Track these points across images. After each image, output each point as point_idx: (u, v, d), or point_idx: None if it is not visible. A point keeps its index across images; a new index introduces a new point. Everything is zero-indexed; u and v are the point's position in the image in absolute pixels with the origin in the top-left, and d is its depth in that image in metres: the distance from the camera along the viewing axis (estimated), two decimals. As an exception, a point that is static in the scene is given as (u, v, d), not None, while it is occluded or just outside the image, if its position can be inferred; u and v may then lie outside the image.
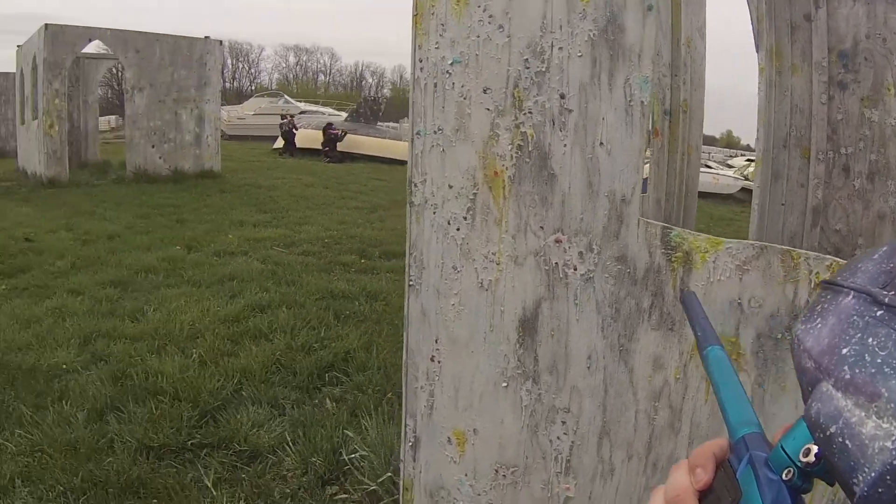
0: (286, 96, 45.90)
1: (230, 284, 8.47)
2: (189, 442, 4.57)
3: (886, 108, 6.02)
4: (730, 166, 34.71)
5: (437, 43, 2.57)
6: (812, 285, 2.11)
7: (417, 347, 2.84)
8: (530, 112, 2.43)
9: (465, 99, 2.52)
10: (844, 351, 0.64)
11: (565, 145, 2.38)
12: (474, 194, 2.55)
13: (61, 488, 4.01)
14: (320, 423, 4.79)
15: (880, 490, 0.56)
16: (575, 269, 2.43)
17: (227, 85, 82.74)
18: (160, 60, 18.96)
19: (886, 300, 0.63)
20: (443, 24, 2.55)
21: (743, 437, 0.78)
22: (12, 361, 5.85)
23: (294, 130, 30.09)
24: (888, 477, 0.56)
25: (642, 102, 2.30)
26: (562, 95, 2.38)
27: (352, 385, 5.63)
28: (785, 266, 2.15)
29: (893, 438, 0.56)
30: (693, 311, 1.10)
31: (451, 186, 2.60)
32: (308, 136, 30.36)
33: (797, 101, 6.15)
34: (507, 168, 2.48)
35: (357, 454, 4.18)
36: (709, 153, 52.88)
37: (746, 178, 27.84)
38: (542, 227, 2.46)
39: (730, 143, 77.19)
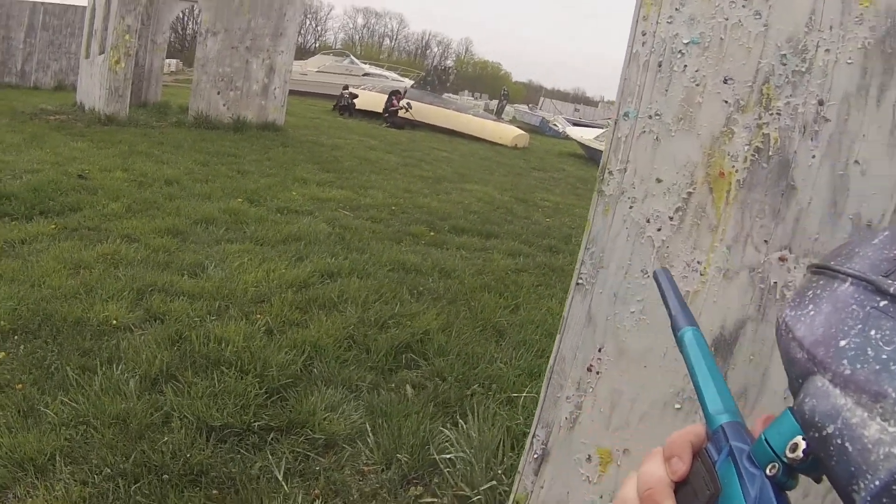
0: (352, 56, 46.44)
1: (296, 245, 8.46)
2: (255, 424, 4.41)
3: None
4: None
5: (670, 17, 2.43)
6: None
7: (572, 354, 2.71)
8: (779, 113, 2.29)
9: (697, 85, 2.39)
10: (843, 343, 0.63)
11: (814, 156, 2.25)
12: (689, 193, 2.43)
13: (109, 471, 3.79)
14: (403, 413, 4.67)
15: (885, 500, 0.55)
16: None
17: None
18: (239, 5, 19.37)
19: (892, 289, 0.62)
20: None
21: (721, 427, 0.78)
22: (57, 312, 5.71)
23: (353, 102, 30.60)
24: (895, 487, 0.54)
25: None
26: (820, 102, 2.24)
27: (431, 371, 5.54)
28: None
29: None
30: (666, 290, 1.09)
31: (659, 181, 2.47)
32: (371, 99, 30.89)
33: None
34: (737, 170, 2.35)
35: (451, 455, 4.05)
36: None
37: None
38: (766, 242, 2.34)
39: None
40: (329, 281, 7.38)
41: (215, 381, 4.82)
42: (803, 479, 0.70)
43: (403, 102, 29.86)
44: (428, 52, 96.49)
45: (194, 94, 19.44)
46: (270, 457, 4.13)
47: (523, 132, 32.16)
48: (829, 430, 0.61)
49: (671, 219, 2.47)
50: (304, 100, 33.62)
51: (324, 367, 5.33)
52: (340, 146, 19.46)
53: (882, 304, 0.62)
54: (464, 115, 31.34)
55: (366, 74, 40.76)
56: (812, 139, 2.25)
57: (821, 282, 0.72)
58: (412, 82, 36.04)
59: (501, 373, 5.48)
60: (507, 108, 42.93)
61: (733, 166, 2.36)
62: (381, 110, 30.14)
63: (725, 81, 2.36)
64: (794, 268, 2.30)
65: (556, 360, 2.76)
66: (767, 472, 0.69)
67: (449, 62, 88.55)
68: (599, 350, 2.65)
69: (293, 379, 5.05)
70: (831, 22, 2.22)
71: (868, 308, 0.62)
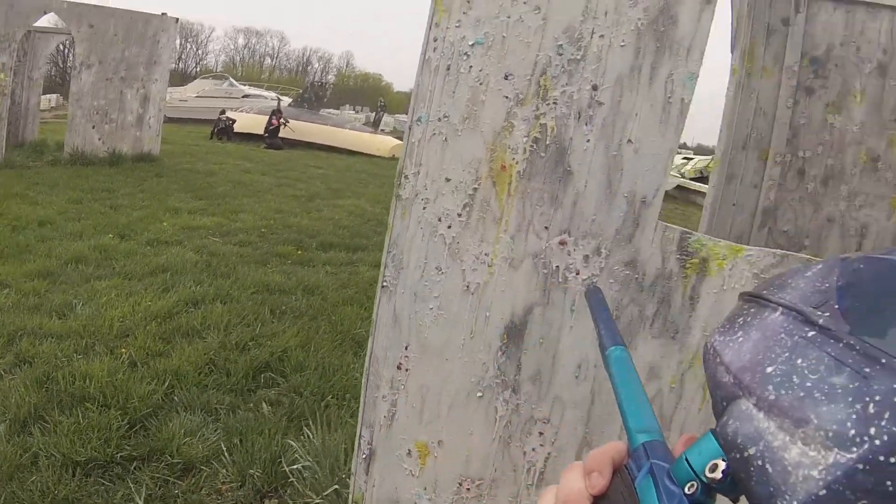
0: (231, 79, 45.95)
1: (163, 276, 8.37)
2: (118, 455, 4.43)
3: (850, 115, 6.32)
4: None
5: (458, 21, 2.52)
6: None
7: (384, 354, 2.81)
8: (555, 102, 2.41)
9: (481, 84, 2.49)
10: (770, 370, 0.64)
11: (588, 140, 2.38)
12: (474, 189, 2.53)
13: (-20, 513, 3.78)
14: (257, 431, 4.74)
15: None
16: (577, 274, 2.43)
17: (174, 66, 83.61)
18: (113, 36, 18.82)
19: (821, 321, 0.63)
20: (469, 1, 2.50)
21: (643, 445, 0.79)
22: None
23: (231, 125, 30.39)
24: None
25: (682, 100, 2.31)
26: (594, 87, 2.36)
27: (288, 387, 5.63)
28: None
29: (820, 468, 0.56)
30: (597, 309, 1.13)
31: (448, 180, 2.57)
32: (249, 121, 30.71)
33: (762, 103, 6.45)
34: (517, 162, 2.46)
35: (299, 465, 4.12)
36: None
37: (682, 176, 29.14)
38: (546, 228, 2.45)
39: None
40: (193, 309, 7.35)
41: (80, 417, 4.79)
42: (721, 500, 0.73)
43: (283, 120, 29.72)
44: (309, 68, 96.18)
45: (70, 130, 18.86)
46: (132, 485, 4.15)
47: (402, 142, 32.05)
48: (751, 451, 0.62)
49: (459, 215, 2.57)
50: (184, 126, 33.05)
51: (184, 393, 5.34)
52: (215, 171, 19.18)
53: (810, 334, 0.63)
54: (341, 131, 31.29)
55: (245, 96, 40.32)
56: (587, 124, 2.39)
57: (752, 310, 0.73)
58: (290, 100, 35.80)
59: (356, 382, 5.52)
60: (387, 118, 42.90)
61: (514, 159, 2.47)
62: (260, 131, 29.90)
63: (506, 77, 2.47)
64: (574, 251, 2.43)
65: (371, 361, 2.85)
66: (686, 490, 0.70)
67: (330, 77, 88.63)
68: (406, 348, 2.74)
69: (154, 408, 5.06)
70: (607, 8, 2.37)
71: (796, 337, 0.64)
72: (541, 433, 2.58)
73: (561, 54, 2.40)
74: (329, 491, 3.80)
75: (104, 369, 5.50)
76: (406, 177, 2.66)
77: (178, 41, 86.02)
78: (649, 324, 2.39)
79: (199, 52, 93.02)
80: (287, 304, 7.73)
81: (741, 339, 0.70)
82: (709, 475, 0.68)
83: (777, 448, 0.60)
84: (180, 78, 67.35)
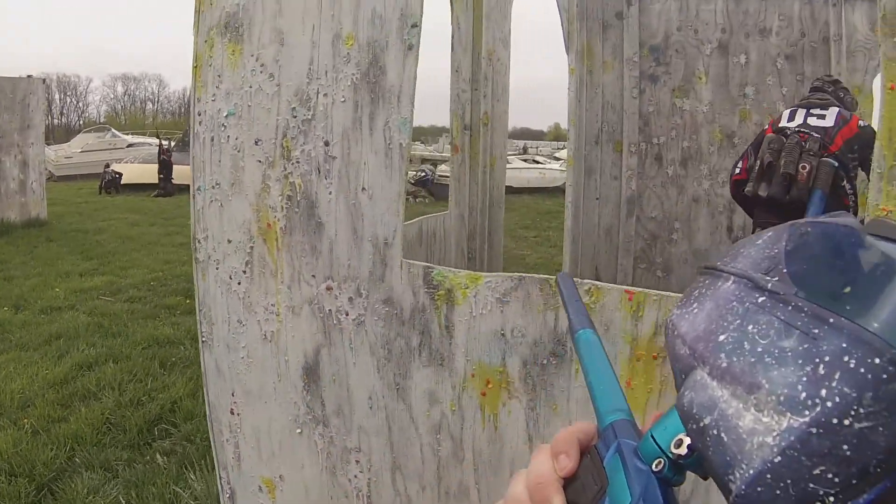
0: (113, 130, 44.92)
1: (57, 343, 8.43)
2: (30, 521, 4.58)
3: (698, 97, 6.59)
4: (557, 159, 36.26)
5: (213, 95, 2.72)
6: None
7: (217, 402, 2.98)
8: (298, 161, 2.59)
9: (238, 152, 2.68)
10: (721, 338, 0.64)
11: (330, 193, 2.56)
12: (251, 248, 2.71)
13: None
14: (151, 482, 4.92)
15: (759, 489, 0.56)
16: (347, 315, 2.60)
17: (56, 122, 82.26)
18: (-17, 105, 18.32)
19: (769, 286, 0.63)
20: (219, 76, 2.69)
21: (611, 424, 0.79)
22: None
23: (118, 178, 29.93)
24: (768, 475, 0.55)
25: (401, 145, 2.49)
26: (326, 143, 2.55)
27: (181, 436, 5.80)
28: (544, 294, 2.35)
29: (774, 434, 0.56)
30: (566, 294, 1.12)
31: (230, 241, 2.75)
32: (137, 171, 30.28)
33: (609, 97, 6.68)
34: (278, 220, 2.64)
35: (186, 508, 4.29)
36: (537, 147, 54.99)
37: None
38: (313, 276, 2.63)
39: (558, 135, 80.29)
40: (88, 372, 7.48)
41: (-10, 489, 4.97)
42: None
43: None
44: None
45: (-49, 204, 18.54)
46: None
47: None
48: (706, 421, 0.62)
49: (244, 272, 2.76)
50: (74, 183, 32.48)
51: (85, 454, 5.51)
52: (104, 229, 18.85)
53: (760, 299, 0.63)
54: None
55: (130, 145, 39.66)
56: (326, 177, 2.58)
57: (706, 281, 0.73)
58: (174, 143, 34.92)
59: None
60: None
61: (275, 216, 2.67)
62: (149, 181, 29.29)
63: (257, 143, 2.67)
64: (339, 294, 2.62)
65: (210, 408, 3.03)
66: (654, 467, 0.70)
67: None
68: (233, 394, 2.93)
69: (58, 472, 5.23)
70: (326, 67, 2.57)
71: (747, 304, 0.64)
72: (357, 461, 2.75)
73: (296, 116, 2.59)
74: (213, 530, 4.00)
75: (9, 440, 5.62)
76: (199, 241, 2.84)
77: (56, 96, 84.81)
78: (417, 354, 2.55)
79: (80, 104, 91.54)
80: (176, 356, 7.89)
81: (696, 310, 0.71)
82: (674, 451, 0.69)
83: (731, 416, 0.60)
84: (64, 133, 66.08)
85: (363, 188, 2.55)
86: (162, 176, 28.58)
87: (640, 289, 2.34)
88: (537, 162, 33.70)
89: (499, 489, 2.51)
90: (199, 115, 2.79)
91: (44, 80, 20.47)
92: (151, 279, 12.14)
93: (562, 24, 6.34)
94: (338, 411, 2.75)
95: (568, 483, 0.76)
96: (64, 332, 8.86)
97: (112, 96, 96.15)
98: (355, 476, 2.79)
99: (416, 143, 49.14)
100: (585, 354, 0.95)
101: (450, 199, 5.08)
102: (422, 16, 2.46)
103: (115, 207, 24.23)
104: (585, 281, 2.36)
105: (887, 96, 1.96)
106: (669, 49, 6.76)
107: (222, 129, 2.73)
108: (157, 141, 33.93)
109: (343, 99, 2.55)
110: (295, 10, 2.58)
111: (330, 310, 2.66)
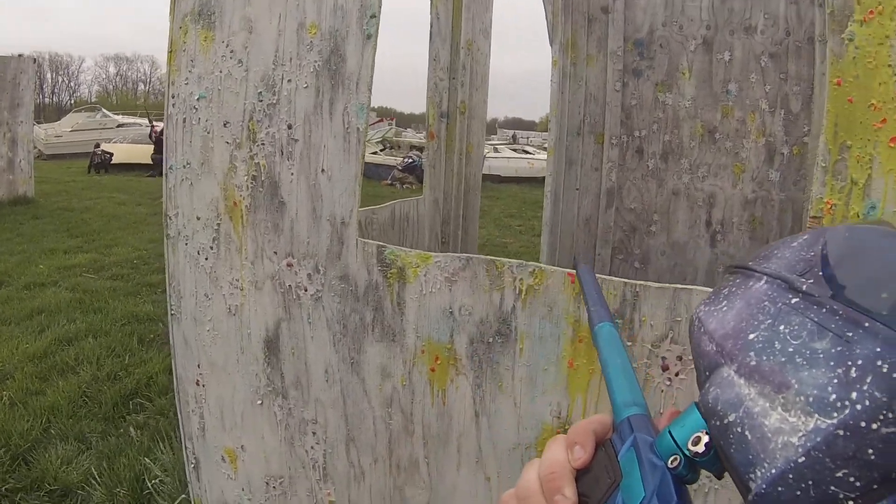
0: (104, 109, 44.53)
1: (38, 318, 8.56)
2: (3, 487, 4.75)
3: (680, 92, 6.66)
4: (546, 149, 36.12)
5: (186, 79, 2.85)
6: (517, 291, 2.40)
7: (184, 373, 3.12)
8: (263, 143, 2.72)
9: (208, 133, 2.81)
10: (752, 336, 0.64)
11: (292, 174, 2.68)
12: (218, 224, 2.84)
13: None
14: (124, 453, 5.07)
15: (780, 489, 0.56)
16: (305, 290, 2.72)
17: (47, 101, 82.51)
18: (-29, 82, 18.18)
19: (804, 287, 0.62)
20: (192, 60, 2.83)
21: (628, 418, 0.79)
22: None
23: (108, 158, 29.87)
24: (790, 476, 0.55)
25: (358, 129, 2.60)
26: (289, 126, 2.67)
27: (154, 410, 5.96)
28: (490, 275, 2.43)
29: (800, 434, 0.55)
30: (587, 286, 1.16)
31: (199, 218, 2.88)
32: (128, 151, 30.22)
33: (592, 89, 6.73)
34: (244, 198, 2.77)
35: (157, 479, 4.46)
36: (527, 138, 55.00)
37: None
38: (275, 253, 2.75)
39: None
40: (67, 346, 7.61)
41: (-34, 457, 5.11)
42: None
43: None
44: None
45: (-59, 185, 18.61)
46: (16, 514, 4.46)
47: None
48: (731, 418, 0.62)
49: (212, 248, 2.89)
50: (64, 162, 32.38)
51: (60, 426, 5.66)
52: (90, 207, 18.83)
53: (794, 301, 0.62)
54: None
55: (120, 125, 39.55)
56: (289, 159, 2.71)
57: (737, 280, 0.73)
58: (163, 126, 34.72)
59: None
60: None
61: (241, 195, 2.80)
62: (141, 161, 29.20)
63: (225, 125, 2.80)
64: (299, 270, 2.75)
65: (176, 380, 3.16)
66: (669, 464, 0.70)
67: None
68: (199, 366, 3.06)
69: (34, 443, 5.36)
70: (291, 54, 2.70)
71: (780, 304, 0.63)
72: (314, 433, 2.87)
73: (262, 100, 2.71)
74: (179, 499, 4.13)
75: (-13, 412, 5.78)
76: (170, 217, 2.98)
77: (48, 75, 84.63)
78: (371, 330, 2.65)
79: (72, 84, 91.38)
80: (155, 332, 8.04)
81: (725, 308, 0.70)
82: (691, 448, 0.69)
83: (757, 414, 0.59)
84: (55, 112, 65.86)
85: (322, 170, 2.66)
86: (158, 156, 28.50)
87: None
88: (527, 152, 33.71)
89: (447, 464, 2.65)
90: (173, 97, 2.93)
91: (35, 60, 20.38)
92: (135, 257, 12.25)
93: (546, 17, 6.42)
94: (296, 383, 2.86)
95: (581, 475, 0.76)
96: (45, 308, 8.98)
97: (104, 76, 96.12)
98: (312, 447, 2.91)
99: (407, 129, 49.27)
100: (604, 348, 0.97)
101: (424, 185, 5.18)
102: (380, 7, 2.57)
103: (102, 187, 24.17)
104: (530, 263, 2.44)
105: (832, 92, 2.01)
106: (654, 44, 6.82)
107: (194, 111, 2.87)
108: (146, 121, 33.93)
109: (306, 85, 2.67)
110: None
111: (290, 285, 2.78)
